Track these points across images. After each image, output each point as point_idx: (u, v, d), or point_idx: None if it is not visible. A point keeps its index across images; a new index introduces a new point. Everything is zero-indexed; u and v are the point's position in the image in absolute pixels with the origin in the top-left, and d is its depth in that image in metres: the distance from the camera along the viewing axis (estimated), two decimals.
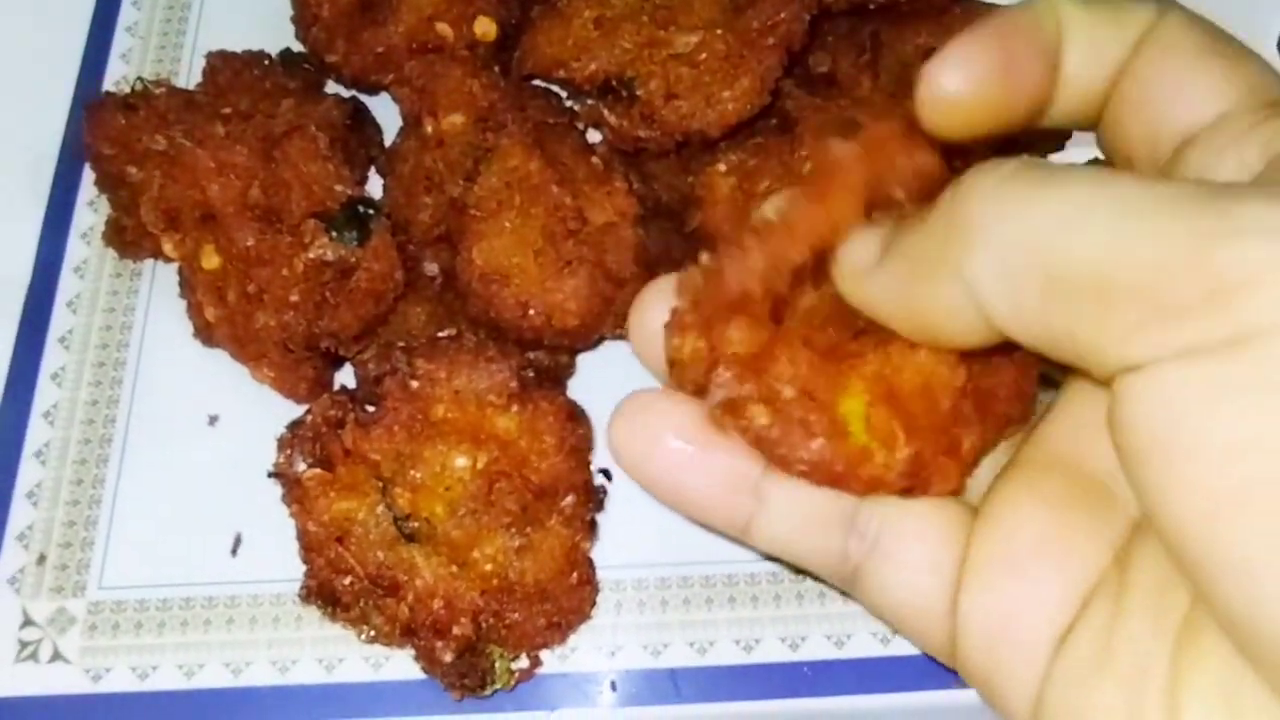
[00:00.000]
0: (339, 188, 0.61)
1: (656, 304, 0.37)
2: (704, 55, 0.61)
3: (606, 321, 0.61)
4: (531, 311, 0.60)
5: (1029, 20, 0.34)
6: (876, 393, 0.35)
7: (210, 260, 0.61)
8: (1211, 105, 0.32)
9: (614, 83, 0.62)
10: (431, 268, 0.63)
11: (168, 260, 0.64)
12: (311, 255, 0.58)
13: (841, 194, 0.36)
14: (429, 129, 0.64)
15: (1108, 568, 0.31)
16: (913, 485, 0.35)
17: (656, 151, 0.64)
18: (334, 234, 0.59)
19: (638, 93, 0.62)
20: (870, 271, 0.33)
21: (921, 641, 0.36)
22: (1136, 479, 0.27)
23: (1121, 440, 0.27)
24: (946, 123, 0.34)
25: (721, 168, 0.65)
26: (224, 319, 0.61)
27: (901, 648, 0.60)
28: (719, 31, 0.61)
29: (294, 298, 0.58)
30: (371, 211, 0.61)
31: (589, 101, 0.64)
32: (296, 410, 0.63)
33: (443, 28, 0.68)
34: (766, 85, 0.61)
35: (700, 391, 0.36)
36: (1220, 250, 0.25)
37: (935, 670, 0.59)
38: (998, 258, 0.28)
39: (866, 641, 0.60)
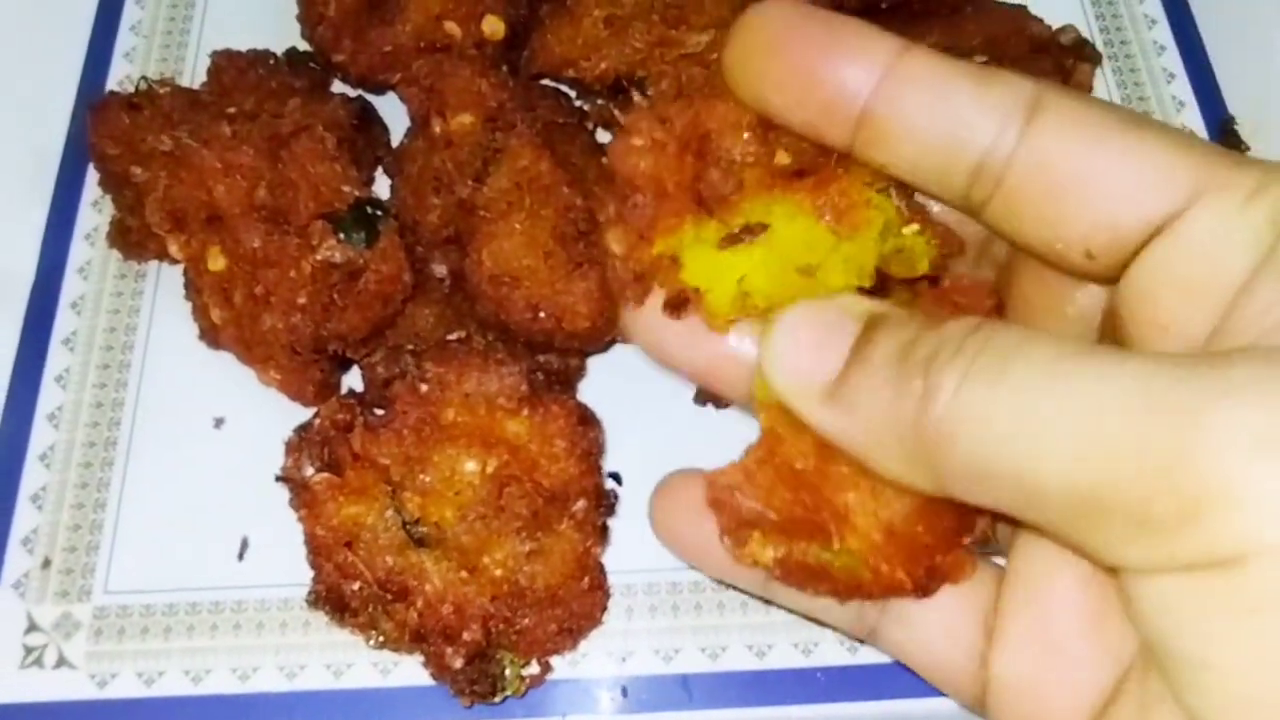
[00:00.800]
0: (346, 188, 0.60)
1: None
2: (715, 55, 0.61)
3: (616, 324, 0.61)
4: (542, 314, 0.59)
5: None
6: (875, 528, 0.37)
7: (216, 262, 0.60)
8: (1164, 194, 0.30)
9: (624, 82, 0.62)
10: (440, 269, 0.63)
11: (173, 262, 0.64)
12: (319, 257, 0.58)
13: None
14: (437, 129, 0.63)
15: (1140, 648, 0.31)
16: (930, 588, 0.36)
17: None
18: (342, 235, 0.59)
19: (648, 92, 0.61)
20: (824, 399, 0.33)
21: (944, 689, 0.37)
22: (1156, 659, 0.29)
23: (1136, 625, 0.29)
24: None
25: None
26: (230, 321, 0.60)
27: None
28: (730, 31, 0.61)
29: (301, 300, 0.58)
30: (379, 213, 0.60)
31: (599, 101, 0.63)
32: (304, 413, 0.62)
33: (451, 26, 0.67)
34: None
35: (633, 274, 0.42)
36: (1195, 464, 0.25)
37: None
38: (968, 465, 0.29)
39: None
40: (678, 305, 0.43)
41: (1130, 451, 0.26)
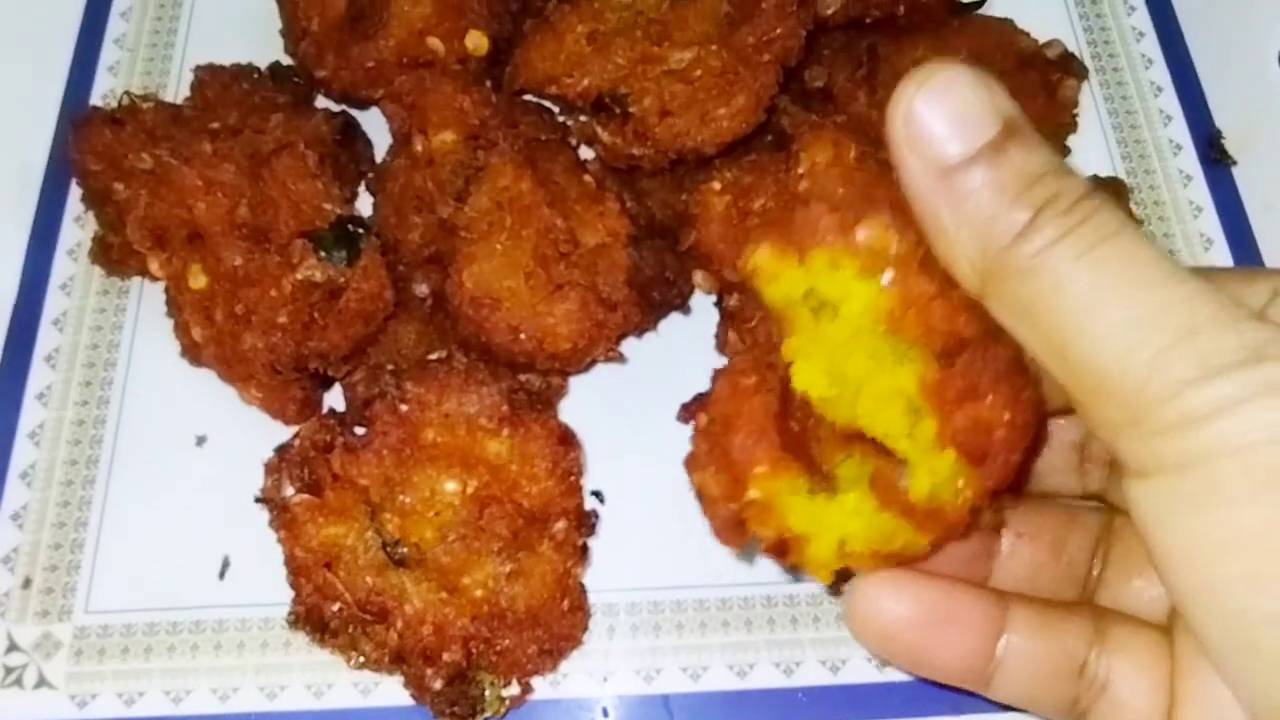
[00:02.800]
0: (328, 206, 0.60)
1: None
2: (699, 72, 0.60)
3: (599, 345, 0.60)
4: (523, 336, 0.59)
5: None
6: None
7: (198, 280, 0.60)
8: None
9: (607, 99, 0.62)
10: (422, 288, 0.63)
11: (154, 279, 0.63)
12: (300, 276, 0.58)
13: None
14: (419, 147, 0.63)
15: None
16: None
17: (650, 169, 0.63)
18: (323, 254, 0.59)
19: (631, 110, 0.61)
20: (939, 174, 0.35)
21: None
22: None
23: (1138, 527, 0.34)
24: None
25: (716, 185, 0.64)
26: (211, 339, 0.60)
27: (897, 674, 0.59)
28: (714, 47, 0.60)
29: (282, 319, 0.58)
30: (361, 231, 0.60)
31: (582, 118, 0.63)
32: (286, 430, 0.62)
33: (434, 42, 0.67)
34: (762, 103, 0.60)
35: (732, 518, 0.44)
36: (1195, 387, 0.30)
37: (929, 696, 0.58)
38: (1023, 304, 0.34)
39: (861, 667, 0.59)
40: (782, 551, 0.45)
41: (1164, 359, 0.31)
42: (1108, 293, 0.32)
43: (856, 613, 0.42)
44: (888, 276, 0.39)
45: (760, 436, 0.45)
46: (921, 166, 0.35)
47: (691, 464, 0.47)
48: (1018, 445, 0.39)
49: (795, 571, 0.51)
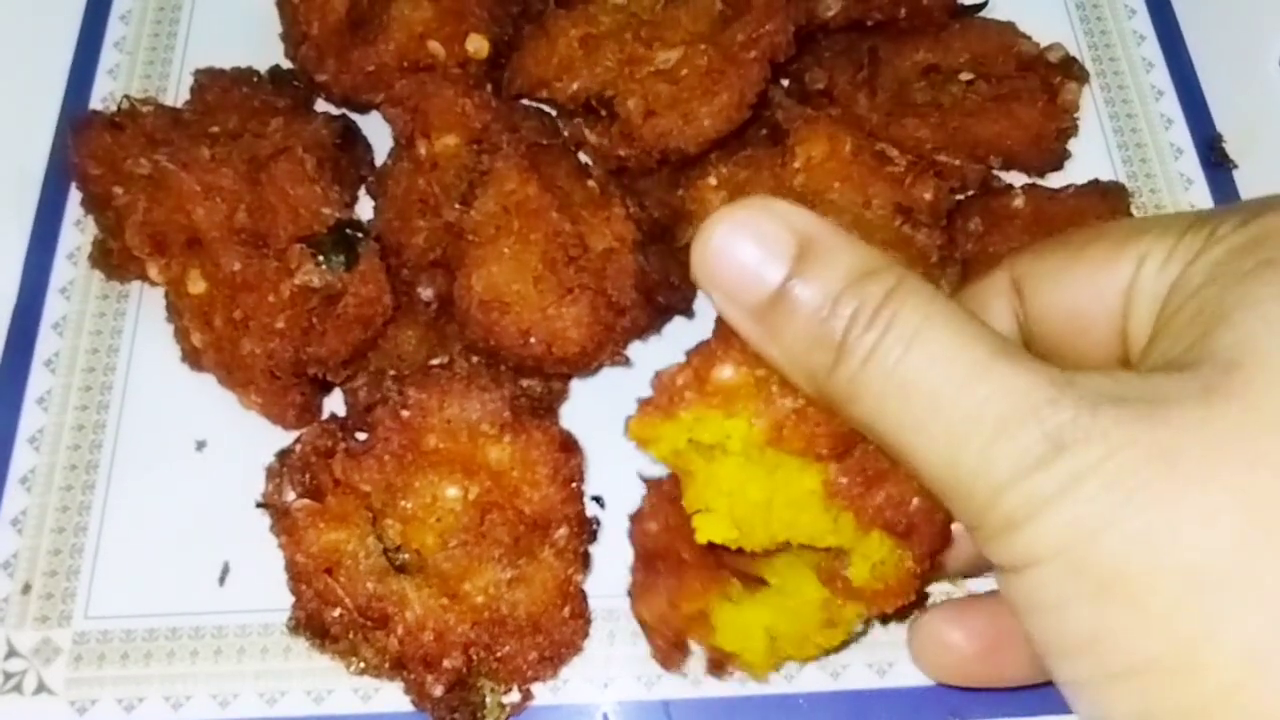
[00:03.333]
0: (326, 210, 0.60)
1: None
2: (685, 71, 0.60)
3: (606, 348, 0.60)
4: (533, 340, 0.59)
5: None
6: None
7: (196, 285, 0.60)
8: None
9: (594, 101, 0.62)
10: (427, 292, 0.62)
11: (154, 284, 0.63)
12: (298, 281, 0.57)
13: None
14: (422, 151, 0.63)
15: None
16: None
17: (638, 169, 0.63)
18: (321, 259, 0.58)
19: (617, 111, 0.61)
20: (753, 317, 0.37)
21: None
22: None
23: None
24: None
25: (712, 181, 0.64)
26: (210, 344, 0.60)
27: (897, 680, 0.59)
28: (701, 46, 0.60)
29: (280, 324, 0.57)
30: (360, 235, 0.60)
31: (575, 121, 0.63)
32: (286, 435, 0.62)
33: (434, 46, 0.67)
34: (745, 101, 0.60)
35: (669, 643, 0.52)
36: (1008, 497, 0.31)
37: (929, 702, 0.58)
38: (862, 421, 0.36)
39: (862, 673, 0.59)
40: (719, 665, 0.53)
41: (973, 468, 0.32)
42: (925, 400, 0.33)
43: (921, 652, 0.45)
44: (754, 406, 0.41)
45: (686, 567, 0.51)
46: (736, 313, 0.37)
47: (633, 595, 0.52)
48: (936, 510, 0.41)
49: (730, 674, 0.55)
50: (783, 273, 0.36)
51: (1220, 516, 0.30)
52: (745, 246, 0.36)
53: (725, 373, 0.41)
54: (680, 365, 0.43)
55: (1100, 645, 0.31)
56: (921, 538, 0.41)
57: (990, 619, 0.44)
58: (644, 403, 0.44)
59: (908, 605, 0.44)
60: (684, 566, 0.52)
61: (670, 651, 0.53)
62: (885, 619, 0.56)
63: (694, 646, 0.55)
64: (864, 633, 0.52)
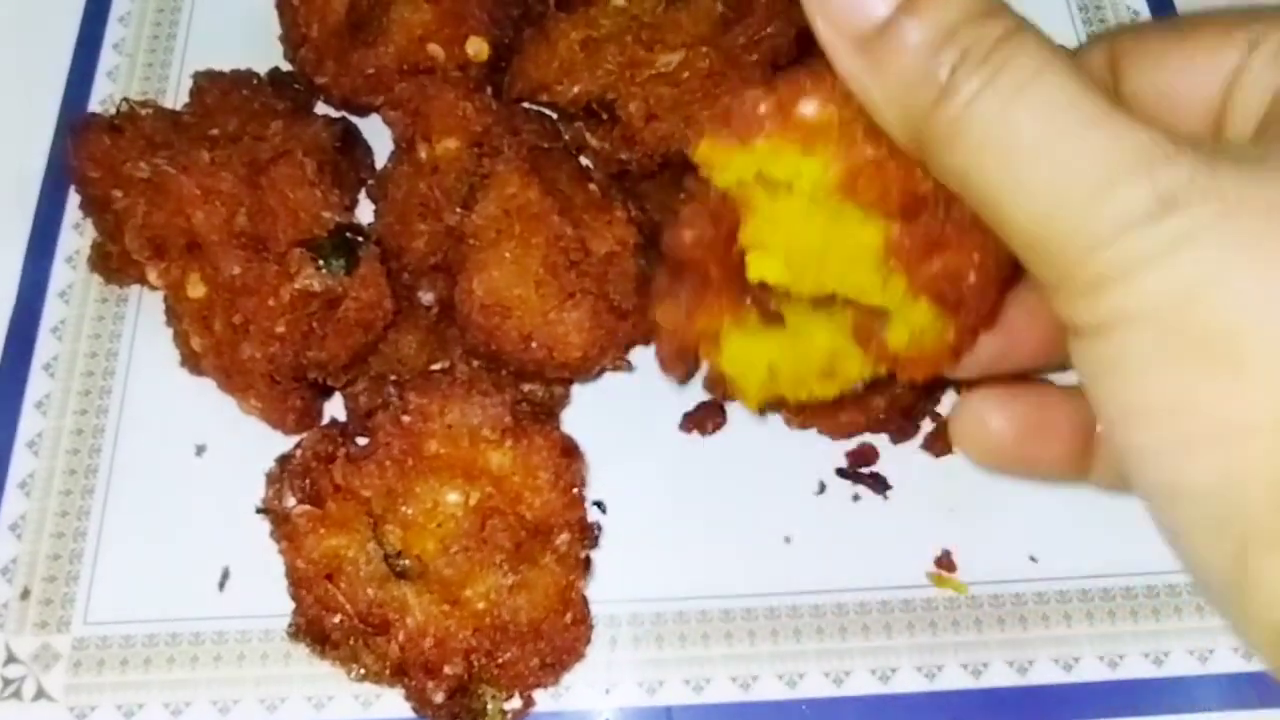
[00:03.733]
0: (326, 214, 0.60)
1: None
2: (686, 74, 0.60)
3: (609, 353, 0.60)
4: (534, 344, 0.59)
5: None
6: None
7: (196, 289, 0.59)
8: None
9: (595, 105, 0.61)
10: (428, 296, 0.62)
11: (153, 288, 0.63)
12: (298, 286, 0.57)
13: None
14: (423, 154, 0.62)
15: None
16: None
17: (640, 173, 0.63)
18: (321, 263, 0.58)
19: (618, 114, 0.61)
20: (856, 47, 0.35)
21: None
22: None
23: None
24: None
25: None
26: (210, 349, 0.60)
27: (901, 685, 0.59)
28: (703, 49, 0.60)
29: (280, 329, 0.57)
30: (360, 239, 0.60)
31: (576, 124, 0.63)
32: (287, 440, 0.62)
33: (434, 48, 0.67)
34: None
35: (678, 348, 0.48)
36: (1107, 250, 0.30)
37: (932, 707, 0.58)
38: (955, 165, 0.33)
39: (864, 679, 0.59)
40: (716, 384, 0.52)
41: (1075, 219, 0.31)
42: (1029, 149, 0.31)
43: (962, 433, 0.44)
44: (833, 148, 0.38)
45: (710, 285, 0.47)
46: (839, 40, 0.35)
47: (655, 296, 0.49)
48: (990, 289, 0.40)
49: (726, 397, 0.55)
50: (892, 2, 0.34)
51: None
52: None
53: (811, 108, 0.38)
54: (763, 90, 0.39)
55: (1187, 408, 0.30)
56: (969, 313, 0.40)
57: (1034, 407, 0.43)
58: (715, 123, 0.41)
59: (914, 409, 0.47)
60: (708, 284, 0.49)
61: (674, 360, 0.50)
62: (884, 425, 0.58)
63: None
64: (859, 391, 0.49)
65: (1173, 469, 0.31)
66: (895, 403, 0.61)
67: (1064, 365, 0.42)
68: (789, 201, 0.40)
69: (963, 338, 0.41)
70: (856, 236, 0.40)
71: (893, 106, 0.35)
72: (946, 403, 0.66)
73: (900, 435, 0.64)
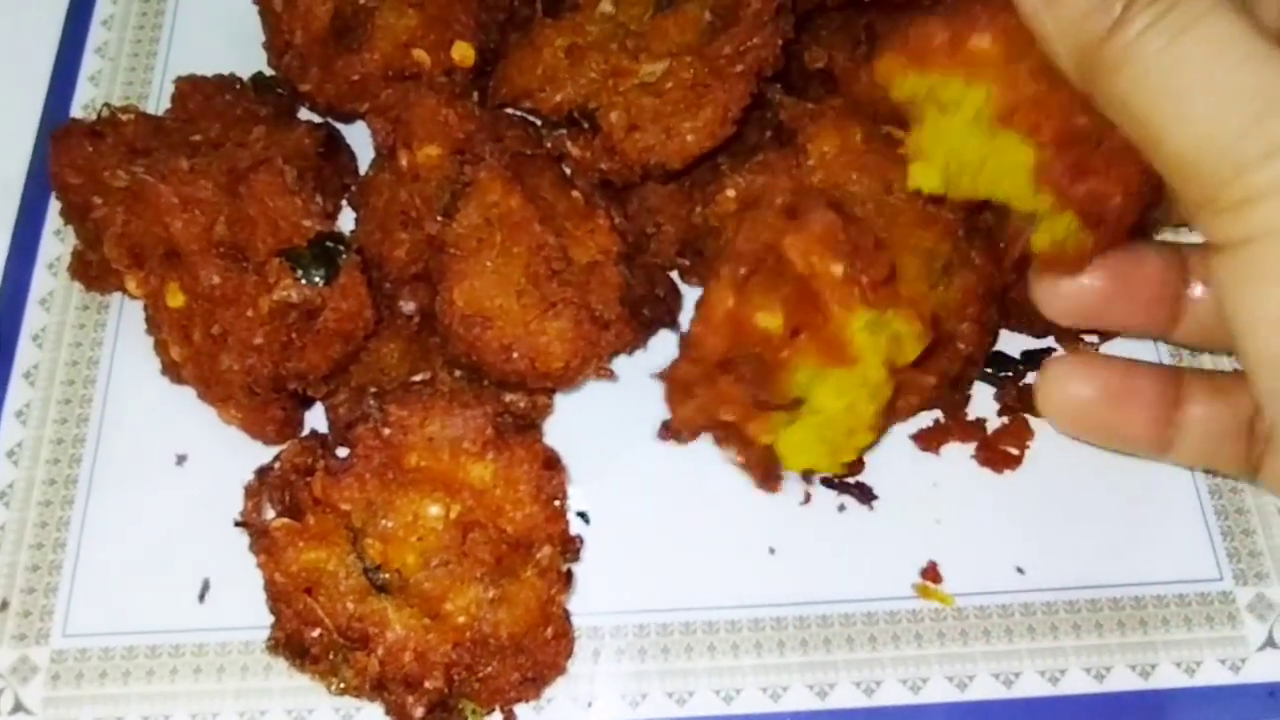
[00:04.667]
0: (307, 223, 0.59)
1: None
2: (669, 84, 0.59)
3: (591, 363, 0.60)
4: (515, 355, 0.58)
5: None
6: None
7: (175, 299, 0.59)
8: None
9: (576, 113, 0.61)
10: (409, 306, 0.62)
11: (133, 297, 0.62)
12: (276, 297, 0.57)
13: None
14: (404, 161, 0.62)
15: None
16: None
17: (620, 184, 0.62)
18: (300, 273, 0.57)
19: (599, 124, 0.60)
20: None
21: None
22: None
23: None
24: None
25: (730, 193, 0.63)
26: (189, 359, 0.59)
27: (886, 698, 0.58)
28: (687, 59, 0.59)
29: (258, 340, 0.57)
30: (341, 247, 0.59)
31: (558, 132, 0.62)
32: (269, 449, 0.61)
33: (419, 54, 0.66)
34: (730, 116, 0.59)
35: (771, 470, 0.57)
36: (1255, 167, 0.33)
37: (920, 718, 0.58)
38: (1117, 92, 0.36)
39: (849, 692, 0.58)
40: (807, 479, 0.62)
41: (1228, 140, 0.34)
42: (1191, 79, 0.34)
43: (1048, 396, 0.46)
44: (997, 81, 0.44)
45: (731, 425, 0.56)
46: None
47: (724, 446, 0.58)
48: (1131, 211, 0.44)
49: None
50: None
51: None
52: None
53: (983, 41, 0.43)
54: (943, 19, 0.45)
55: None
56: (1108, 230, 0.44)
57: (1119, 375, 0.46)
58: (896, 42, 0.47)
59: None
60: (731, 427, 0.56)
61: (768, 481, 0.58)
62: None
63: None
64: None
65: None
66: (944, 376, 0.61)
67: (1161, 334, 0.47)
68: (952, 120, 0.46)
69: (1100, 249, 0.45)
70: (1011, 156, 0.45)
71: (1066, 38, 0.38)
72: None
73: (952, 408, 0.65)
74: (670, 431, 0.63)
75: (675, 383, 0.57)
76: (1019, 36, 0.41)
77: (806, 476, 0.62)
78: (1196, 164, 0.35)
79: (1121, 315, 0.47)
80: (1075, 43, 0.37)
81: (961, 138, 0.46)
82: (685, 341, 0.56)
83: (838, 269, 0.53)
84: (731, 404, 0.55)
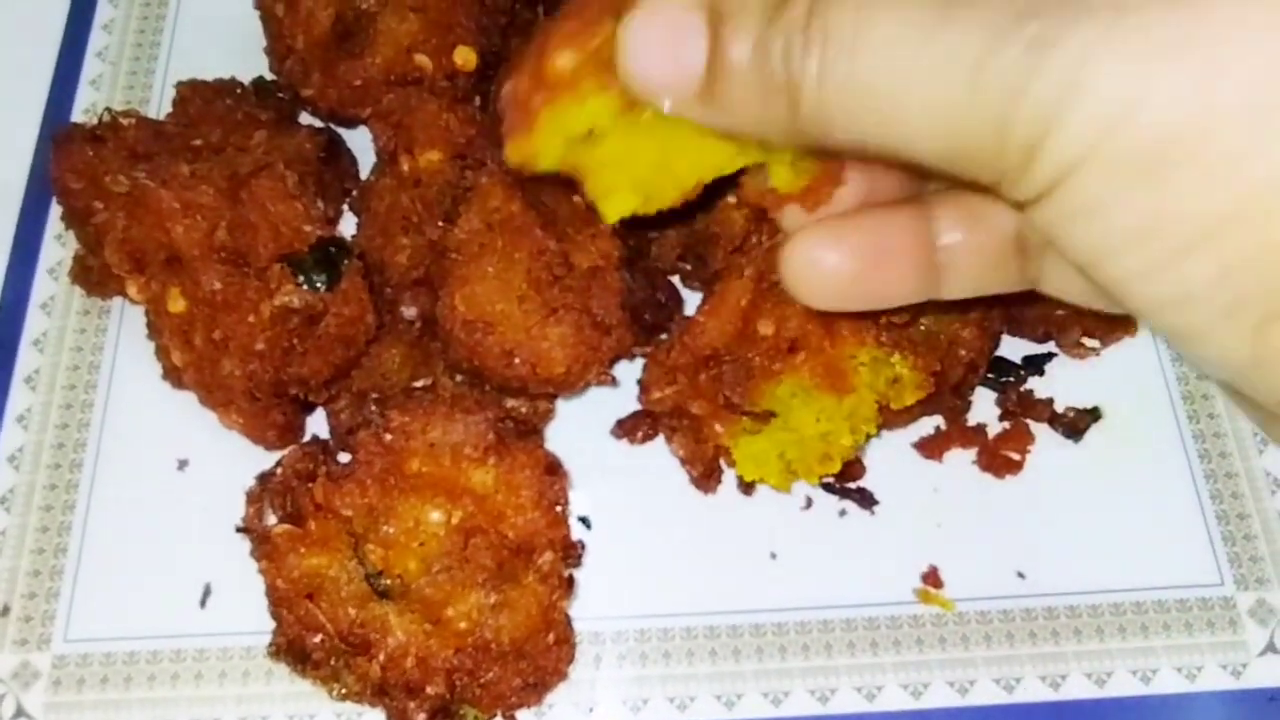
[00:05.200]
0: (308, 228, 0.59)
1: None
2: None
3: (592, 369, 0.60)
4: (517, 360, 0.58)
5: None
6: None
7: (176, 304, 0.59)
8: None
9: None
10: (410, 311, 0.62)
11: (134, 302, 0.62)
12: (278, 302, 0.56)
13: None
14: (405, 167, 0.62)
15: None
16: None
17: None
18: (302, 278, 0.57)
19: None
20: (699, 101, 0.36)
21: None
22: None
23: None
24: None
25: (731, 199, 0.63)
26: (190, 364, 0.59)
27: (887, 704, 0.58)
28: None
29: (259, 346, 0.57)
30: (342, 252, 0.59)
31: None
32: (270, 454, 0.61)
33: (421, 59, 0.66)
34: None
35: (710, 476, 0.61)
36: (1012, 126, 0.30)
37: None
38: (850, 141, 0.34)
39: (850, 697, 0.58)
40: (747, 489, 0.62)
41: (970, 119, 0.31)
42: (893, 87, 0.32)
43: (799, 279, 0.42)
44: (600, 78, 0.39)
45: (699, 419, 0.58)
46: (690, 108, 0.36)
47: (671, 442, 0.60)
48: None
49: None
50: (703, 46, 0.35)
51: (1266, 42, 0.28)
52: (659, 38, 0.35)
53: (562, 60, 0.40)
54: (516, 77, 0.42)
55: (1164, 223, 0.31)
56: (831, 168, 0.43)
57: (870, 234, 0.43)
58: (505, 128, 0.44)
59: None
60: (697, 419, 0.57)
61: (705, 481, 0.60)
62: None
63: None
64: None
65: (1173, 280, 0.32)
66: (945, 381, 0.61)
67: (932, 293, 0.44)
68: (607, 140, 0.41)
69: (831, 166, 0.43)
70: (682, 131, 0.40)
71: (764, 127, 0.35)
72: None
73: (953, 414, 0.65)
74: (624, 429, 0.64)
75: (660, 365, 0.57)
76: (586, 30, 0.39)
77: (746, 487, 0.61)
78: (963, 147, 0.32)
79: (882, 287, 0.44)
80: (777, 127, 0.35)
81: (626, 147, 0.42)
82: (686, 326, 0.57)
83: None
84: (704, 399, 0.56)
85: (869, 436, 0.57)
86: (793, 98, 0.33)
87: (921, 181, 0.45)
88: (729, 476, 0.62)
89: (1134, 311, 0.35)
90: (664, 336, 0.62)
